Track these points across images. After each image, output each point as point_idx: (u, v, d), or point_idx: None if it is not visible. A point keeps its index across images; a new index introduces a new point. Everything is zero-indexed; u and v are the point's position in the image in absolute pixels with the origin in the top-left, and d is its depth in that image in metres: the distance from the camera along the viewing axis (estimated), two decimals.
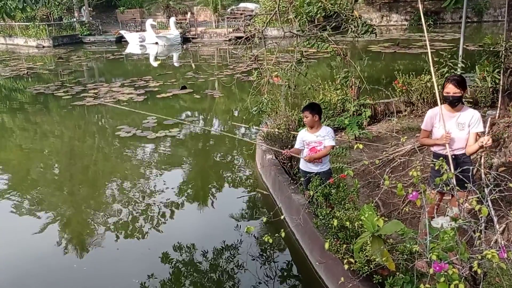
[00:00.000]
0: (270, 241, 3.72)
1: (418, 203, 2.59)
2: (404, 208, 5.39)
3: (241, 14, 30.04)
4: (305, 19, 6.70)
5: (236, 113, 12.50)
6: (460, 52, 7.94)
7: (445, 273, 2.29)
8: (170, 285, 5.19)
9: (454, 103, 4.24)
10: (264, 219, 3.81)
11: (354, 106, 6.53)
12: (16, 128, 12.33)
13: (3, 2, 7.32)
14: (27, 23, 30.04)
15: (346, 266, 3.14)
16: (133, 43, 29.10)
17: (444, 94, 4.24)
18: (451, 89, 4.16)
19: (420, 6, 4.80)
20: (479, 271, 2.31)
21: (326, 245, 3.42)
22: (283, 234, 3.78)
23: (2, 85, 17.84)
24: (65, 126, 12.11)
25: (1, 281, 5.31)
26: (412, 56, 19.10)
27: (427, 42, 4.65)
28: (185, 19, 30.99)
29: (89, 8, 33.16)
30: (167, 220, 6.67)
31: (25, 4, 7.40)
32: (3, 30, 31.63)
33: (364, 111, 6.64)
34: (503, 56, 6.56)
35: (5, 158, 9.93)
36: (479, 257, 2.33)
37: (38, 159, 9.65)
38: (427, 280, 2.96)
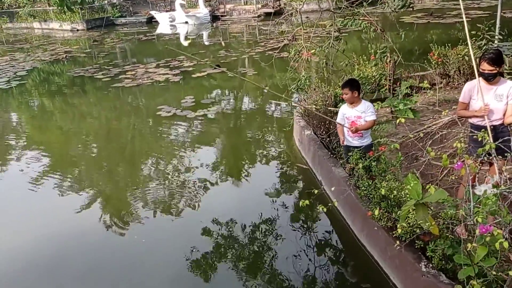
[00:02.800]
0: (307, 202, 3.92)
1: (463, 172, 2.80)
2: (443, 178, 5.57)
3: None
4: None
5: (274, 90, 12.67)
6: (498, 22, 7.85)
7: (490, 235, 2.51)
8: (215, 257, 5.41)
9: (490, 79, 4.35)
10: (307, 202, 3.91)
11: (406, 88, 6.62)
12: (60, 109, 12.95)
13: None
14: (60, 8, 30.77)
15: (399, 230, 3.39)
16: (164, 23, 29.45)
17: (480, 71, 4.35)
18: (486, 67, 4.27)
19: None
20: None
21: (376, 212, 3.69)
22: (324, 209, 4.02)
23: (45, 69, 18.49)
24: (108, 107, 12.64)
25: (48, 258, 5.60)
26: (446, 26, 18.73)
27: (462, 10, 4.72)
28: None
29: None
30: (211, 195, 6.94)
31: None
32: (38, 15, 32.46)
33: (414, 94, 6.73)
34: None
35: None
36: None
37: (82, 139, 10.18)
38: (463, 245, 3.20)
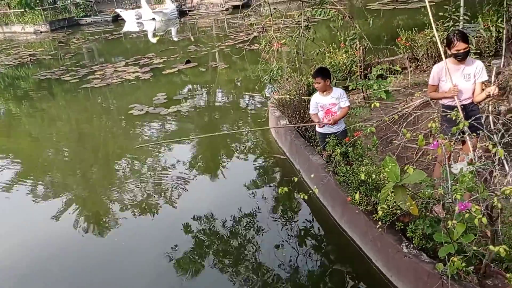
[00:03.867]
0: (286, 189, 3.89)
1: (439, 152, 2.84)
2: (417, 159, 5.67)
3: None
4: None
5: (246, 83, 12.66)
6: (462, 3, 8.01)
7: (468, 211, 2.56)
8: (196, 254, 5.35)
9: (464, 57, 4.43)
10: (286, 188, 3.85)
11: (380, 70, 6.68)
12: (28, 114, 12.60)
13: None
14: (22, 10, 29.85)
15: (380, 213, 3.43)
16: (130, 21, 28.97)
17: (454, 52, 4.39)
18: (461, 46, 4.33)
19: None
20: (499, 205, 2.59)
21: (356, 196, 3.72)
22: (305, 197, 4.01)
23: (9, 74, 17.94)
24: (78, 109, 12.34)
25: (26, 267, 5.43)
26: (412, 11, 18.99)
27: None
28: None
29: None
30: (190, 192, 6.86)
31: None
32: None
33: (389, 76, 6.81)
34: (506, 4, 6.64)
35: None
36: (498, 194, 2.60)
37: (53, 143, 9.97)
38: (443, 224, 3.26)
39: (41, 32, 29.11)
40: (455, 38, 4.34)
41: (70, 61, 18.43)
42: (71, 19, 30.91)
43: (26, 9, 28.58)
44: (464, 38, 4.33)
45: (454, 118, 3.14)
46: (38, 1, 25.11)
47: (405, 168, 3.15)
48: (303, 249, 5.18)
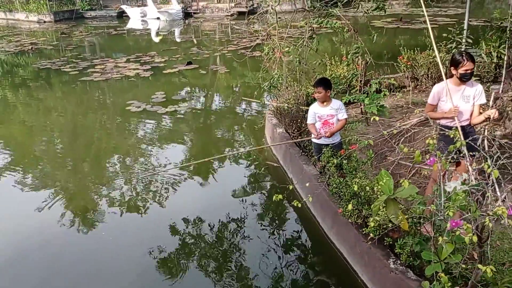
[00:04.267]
0: (281, 197, 3.89)
1: (435, 168, 2.85)
2: (410, 177, 5.68)
3: None
4: None
5: (244, 89, 12.67)
6: (465, 27, 8.11)
7: (459, 229, 2.56)
8: (181, 256, 5.31)
9: (471, 78, 4.46)
10: (280, 196, 3.86)
11: (376, 83, 6.71)
12: (24, 103, 12.51)
13: None
14: None
15: (372, 224, 3.42)
16: (135, 18, 29.00)
17: (462, 72, 4.40)
18: (470, 66, 4.35)
19: None
20: (490, 225, 2.59)
21: (349, 206, 3.70)
22: (299, 205, 4.01)
23: (9, 61, 17.83)
24: (75, 101, 12.27)
25: (7, 255, 5.36)
26: (415, 32, 19.15)
27: (427, 19, 4.84)
28: None
29: None
30: (180, 193, 6.82)
31: None
32: (3, 5, 31.38)
33: (383, 90, 6.83)
34: (509, 31, 6.71)
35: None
36: (490, 214, 2.61)
37: (47, 134, 9.89)
38: (431, 243, 3.26)
39: (44, 21, 29.06)
40: (464, 58, 4.35)
41: (71, 53, 18.39)
42: (76, 11, 30.90)
43: None
44: (472, 58, 4.37)
45: (452, 136, 3.15)
46: None
47: (401, 181, 3.15)
48: (289, 259, 5.15)
